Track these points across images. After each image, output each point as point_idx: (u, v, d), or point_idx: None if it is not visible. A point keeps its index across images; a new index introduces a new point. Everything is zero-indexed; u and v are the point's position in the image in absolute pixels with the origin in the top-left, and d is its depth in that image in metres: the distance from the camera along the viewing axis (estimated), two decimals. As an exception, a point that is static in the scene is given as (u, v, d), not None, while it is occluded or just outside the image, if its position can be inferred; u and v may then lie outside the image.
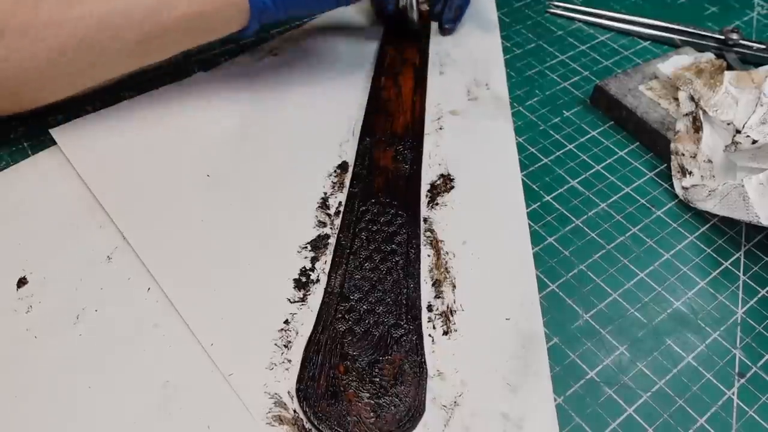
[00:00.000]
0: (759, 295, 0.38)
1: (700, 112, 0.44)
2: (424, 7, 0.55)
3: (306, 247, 0.38)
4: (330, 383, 0.31)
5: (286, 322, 0.34)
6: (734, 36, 0.54)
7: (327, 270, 0.36)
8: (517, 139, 0.46)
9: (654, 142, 0.46)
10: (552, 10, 0.59)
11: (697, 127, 0.44)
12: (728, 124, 0.43)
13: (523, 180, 0.43)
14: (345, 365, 0.32)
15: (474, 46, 0.53)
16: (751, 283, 0.39)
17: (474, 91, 0.49)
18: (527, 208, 0.41)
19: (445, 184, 0.42)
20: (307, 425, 0.30)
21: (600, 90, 0.49)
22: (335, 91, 0.48)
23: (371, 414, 0.30)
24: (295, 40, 0.53)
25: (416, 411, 0.30)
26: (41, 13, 0.37)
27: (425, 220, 0.40)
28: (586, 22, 0.58)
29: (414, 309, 0.34)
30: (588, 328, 0.36)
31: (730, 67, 0.51)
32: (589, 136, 0.47)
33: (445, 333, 0.34)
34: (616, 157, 0.46)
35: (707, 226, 0.42)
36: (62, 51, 0.38)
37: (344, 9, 0.54)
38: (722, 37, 0.55)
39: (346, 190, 0.41)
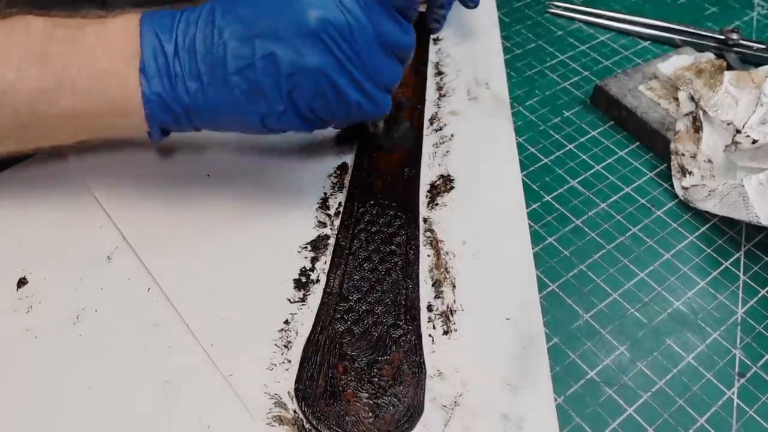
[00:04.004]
0: (759, 295, 0.38)
1: (700, 112, 0.44)
2: (422, 7, 0.55)
3: (306, 248, 0.38)
4: (329, 383, 0.31)
5: (286, 322, 0.34)
6: (734, 36, 0.54)
7: (327, 270, 0.36)
8: (517, 139, 0.46)
9: (654, 142, 0.46)
10: (552, 10, 0.59)
11: (697, 127, 0.44)
12: (728, 124, 0.43)
13: (523, 180, 0.43)
14: (344, 365, 0.32)
15: (474, 46, 0.53)
16: (751, 283, 0.39)
17: (474, 91, 0.49)
18: (527, 208, 0.41)
19: (445, 184, 0.42)
20: (307, 425, 0.30)
21: (600, 90, 0.49)
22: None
23: (370, 414, 0.30)
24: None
25: (415, 411, 0.30)
26: None
27: (425, 220, 0.40)
28: (586, 22, 0.58)
29: (413, 309, 0.34)
30: (588, 328, 0.36)
31: (730, 67, 0.51)
32: (589, 136, 0.47)
33: (445, 333, 0.34)
34: (616, 157, 0.46)
35: (707, 226, 0.42)
36: None
37: None
38: (722, 37, 0.55)
39: (345, 191, 0.41)
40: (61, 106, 0.33)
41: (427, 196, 0.41)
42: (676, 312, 0.37)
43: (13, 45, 0.32)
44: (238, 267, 0.36)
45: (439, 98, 0.48)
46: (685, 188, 0.43)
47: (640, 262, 0.39)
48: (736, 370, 0.34)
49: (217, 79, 0.32)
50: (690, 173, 0.43)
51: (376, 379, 0.31)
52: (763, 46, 0.54)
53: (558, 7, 0.59)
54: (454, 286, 0.36)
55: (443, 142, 0.45)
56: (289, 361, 0.33)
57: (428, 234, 0.39)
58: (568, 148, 0.46)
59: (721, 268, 0.39)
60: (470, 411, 0.31)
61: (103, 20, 0.33)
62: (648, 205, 0.43)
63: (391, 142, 0.43)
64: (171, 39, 0.32)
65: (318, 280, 0.36)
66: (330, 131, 0.45)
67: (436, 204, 0.41)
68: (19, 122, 0.33)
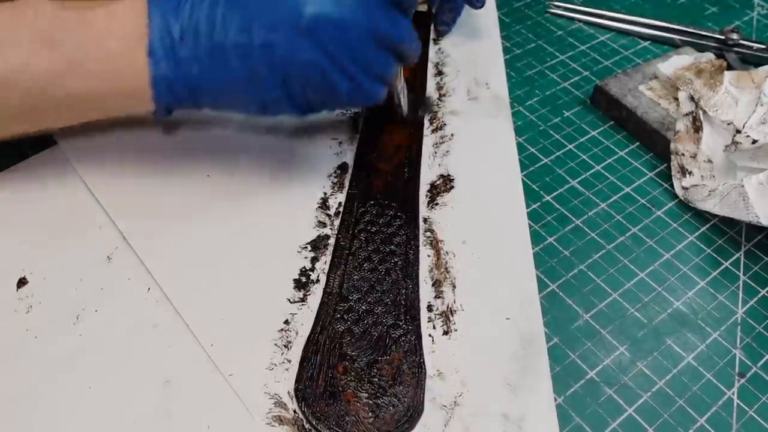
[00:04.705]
0: (759, 295, 0.38)
1: (700, 112, 0.44)
2: (423, 7, 0.55)
3: (306, 248, 0.38)
4: (328, 383, 0.31)
5: (286, 322, 0.34)
6: (734, 36, 0.54)
7: (327, 270, 0.36)
8: (517, 139, 0.46)
9: (654, 142, 0.46)
10: (552, 10, 0.59)
11: (697, 127, 0.44)
12: (728, 124, 0.43)
13: (523, 180, 0.43)
14: (344, 365, 0.32)
15: (474, 46, 0.53)
16: (751, 283, 0.39)
17: (474, 91, 0.49)
18: (527, 208, 0.41)
19: (445, 184, 0.42)
20: (307, 426, 0.30)
21: (600, 90, 0.49)
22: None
23: (369, 414, 0.30)
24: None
25: (415, 411, 0.30)
26: None
27: (425, 220, 0.40)
28: (586, 22, 0.58)
29: (413, 309, 0.34)
30: (588, 328, 0.36)
31: (730, 67, 0.51)
32: (589, 136, 0.47)
33: (445, 333, 0.34)
34: (616, 157, 0.46)
35: (707, 226, 0.42)
36: None
37: None
38: (722, 37, 0.55)
39: (345, 191, 0.41)
40: (71, 88, 0.34)
41: (427, 196, 0.41)
42: (676, 312, 0.37)
43: (22, 26, 0.33)
44: (238, 267, 0.36)
45: (439, 98, 0.48)
46: (685, 188, 0.43)
47: (640, 262, 0.39)
48: (736, 370, 0.34)
49: (219, 64, 0.33)
50: (690, 173, 0.43)
51: (376, 379, 0.31)
52: (763, 46, 0.54)
53: (558, 7, 0.59)
54: (454, 286, 0.36)
55: (443, 142, 0.45)
56: (289, 361, 0.33)
57: (428, 234, 0.39)
58: (568, 148, 0.46)
59: (721, 268, 0.39)
60: (470, 411, 0.31)
61: (111, 1, 0.34)
62: (648, 205, 0.43)
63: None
64: (177, 22, 0.33)
65: (318, 280, 0.36)
66: (328, 130, 0.45)
67: (436, 204, 0.41)
68: (29, 103, 0.34)
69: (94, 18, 0.33)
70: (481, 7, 0.51)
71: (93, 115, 0.37)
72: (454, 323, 0.35)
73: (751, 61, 0.54)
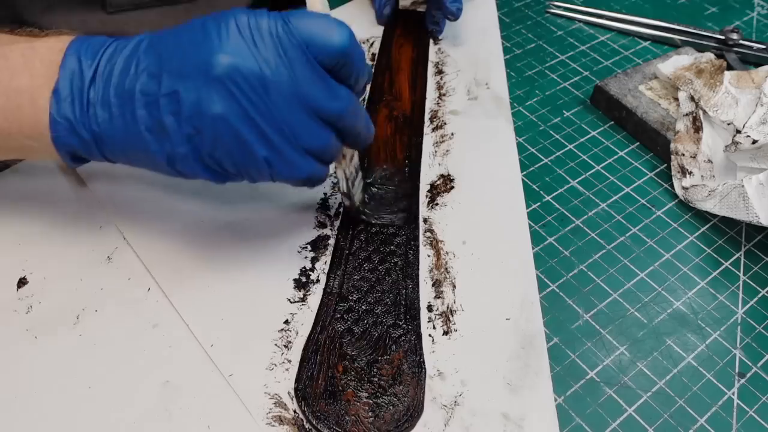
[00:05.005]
0: (759, 295, 0.38)
1: (700, 112, 0.44)
2: (423, 7, 0.55)
3: (306, 248, 0.38)
4: (328, 383, 0.31)
5: (286, 322, 0.34)
6: (734, 36, 0.54)
7: (327, 270, 0.36)
8: (517, 139, 0.46)
9: (654, 142, 0.46)
10: (552, 10, 0.59)
11: (697, 127, 0.44)
12: (728, 124, 0.43)
13: (523, 180, 0.43)
14: (344, 365, 0.32)
15: (474, 46, 0.53)
16: (751, 283, 0.39)
17: (474, 91, 0.49)
18: (527, 208, 0.41)
19: (445, 184, 0.42)
20: (307, 425, 0.30)
21: (600, 90, 0.49)
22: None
23: (369, 413, 0.30)
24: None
25: (415, 411, 0.30)
26: None
27: (425, 220, 0.40)
28: (586, 22, 0.58)
29: (413, 309, 0.34)
30: (588, 328, 0.36)
31: (730, 67, 0.51)
32: (589, 136, 0.47)
33: (445, 333, 0.34)
34: (616, 157, 0.46)
35: (707, 226, 0.42)
36: None
37: None
38: (722, 37, 0.55)
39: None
40: None
41: (427, 196, 0.41)
42: (676, 312, 0.37)
43: None
44: (238, 267, 0.36)
45: (439, 97, 0.48)
46: (685, 188, 0.43)
47: (640, 262, 0.39)
48: (736, 370, 0.34)
49: (125, 112, 0.30)
50: (690, 173, 0.43)
51: (376, 379, 0.31)
52: (763, 46, 0.54)
53: (558, 7, 0.59)
54: (454, 286, 0.36)
55: (443, 141, 0.45)
56: (289, 361, 0.33)
57: (428, 234, 0.39)
58: (568, 148, 0.46)
59: (721, 268, 0.39)
60: (470, 411, 0.31)
61: (33, 39, 0.32)
62: (648, 205, 0.43)
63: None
64: (92, 65, 0.31)
65: (318, 280, 0.36)
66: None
67: (436, 204, 0.41)
68: None
69: (11, 53, 0.32)
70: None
71: (1, 155, 0.35)
72: (454, 323, 0.35)
73: (751, 61, 0.54)
